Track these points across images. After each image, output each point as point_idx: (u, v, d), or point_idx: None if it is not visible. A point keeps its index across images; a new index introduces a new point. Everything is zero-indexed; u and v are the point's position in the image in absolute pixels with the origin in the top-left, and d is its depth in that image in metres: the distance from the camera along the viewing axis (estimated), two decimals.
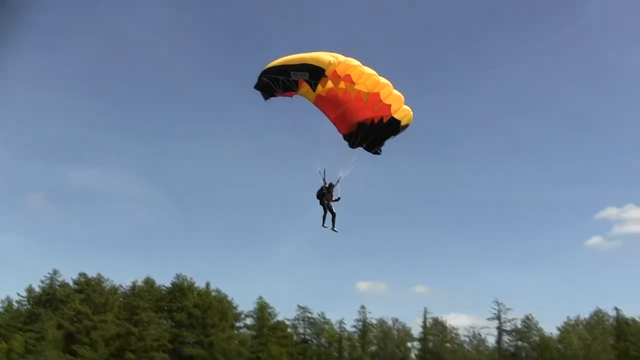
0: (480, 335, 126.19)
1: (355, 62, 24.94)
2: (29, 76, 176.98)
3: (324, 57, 24.11)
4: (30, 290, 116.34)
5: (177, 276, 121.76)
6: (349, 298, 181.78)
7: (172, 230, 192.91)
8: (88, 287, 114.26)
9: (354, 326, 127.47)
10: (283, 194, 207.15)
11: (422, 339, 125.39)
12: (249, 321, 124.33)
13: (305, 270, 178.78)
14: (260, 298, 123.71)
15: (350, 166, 27.65)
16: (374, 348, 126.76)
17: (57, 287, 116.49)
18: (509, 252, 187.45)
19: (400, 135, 27.97)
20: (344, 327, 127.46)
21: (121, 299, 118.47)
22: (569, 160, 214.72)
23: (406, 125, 27.72)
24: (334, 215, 28.85)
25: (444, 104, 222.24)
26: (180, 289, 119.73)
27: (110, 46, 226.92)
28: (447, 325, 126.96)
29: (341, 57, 24.46)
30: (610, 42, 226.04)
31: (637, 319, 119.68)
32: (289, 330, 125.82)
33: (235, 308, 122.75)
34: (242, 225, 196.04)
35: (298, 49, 25.08)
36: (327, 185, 28.43)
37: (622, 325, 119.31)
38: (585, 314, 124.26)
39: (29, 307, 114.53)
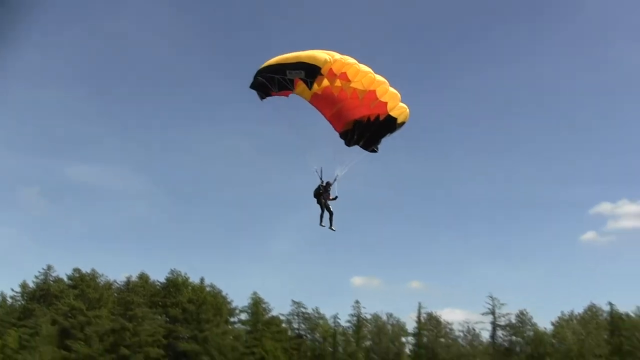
0: (474, 330, 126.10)
1: (351, 60, 24.85)
2: (27, 74, 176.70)
3: (319, 55, 24.01)
4: (24, 285, 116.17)
5: (172, 271, 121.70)
6: (343, 293, 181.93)
7: (167, 225, 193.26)
8: (82, 283, 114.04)
9: (349, 321, 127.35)
10: (277, 190, 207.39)
11: (417, 334, 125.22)
12: (243, 316, 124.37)
13: (299, 265, 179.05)
14: (255, 293, 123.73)
15: (347, 164, 27.61)
16: (368, 343, 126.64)
17: (51, 282, 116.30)
18: (504, 248, 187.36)
19: (396, 132, 27.93)
20: (338, 322, 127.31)
21: (115, 294, 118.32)
22: (563, 156, 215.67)
23: (402, 123, 27.66)
24: (331, 214, 28.81)
25: (439, 102, 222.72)
26: (175, 284, 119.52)
27: (110, 46, 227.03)
28: (442, 320, 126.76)
29: (337, 55, 24.38)
30: (607, 41, 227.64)
31: (631, 314, 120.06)
32: (283, 325, 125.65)
33: (229, 303, 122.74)
34: (237, 220, 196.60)
35: (298, 48, 24.73)
36: (324, 184, 28.32)
37: (616, 320, 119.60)
38: (579, 309, 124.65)
39: (23, 302, 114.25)
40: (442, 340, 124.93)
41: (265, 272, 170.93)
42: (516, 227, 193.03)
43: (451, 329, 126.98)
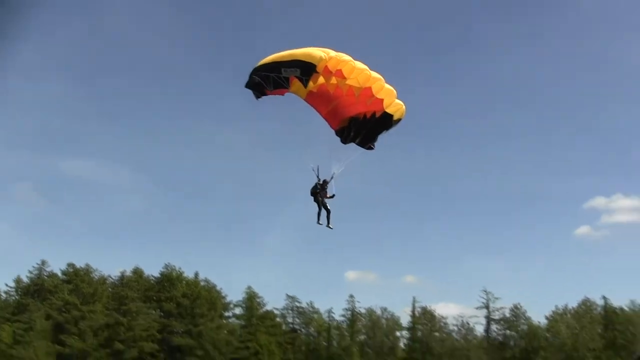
0: (468, 324, 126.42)
1: (347, 57, 24.73)
2: (21, 70, 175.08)
3: (315, 52, 23.86)
4: (18, 280, 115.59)
5: (166, 266, 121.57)
6: (338, 287, 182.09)
7: (161, 220, 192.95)
8: (76, 278, 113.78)
9: (343, 315, 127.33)
10: (272, 184, 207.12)
11: (411, 328, 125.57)
12: (237, 311, 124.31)
13: (294, 260, 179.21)
14: (249, 287, 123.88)
15: (344, 162, 27.51)
16: (362, 337, 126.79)
17: (46, 277, 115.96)
18: (498, 242, 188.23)
19: (392, 129, 27.83)
20: (332, 317, 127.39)
21: (110, 289, 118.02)
22: (557, 151, 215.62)
23: (399, 120, 27.56)
24: (328, 212, 28.73)
25: (434, 97, 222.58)
26: (169, 278, 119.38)
27: (101, 39, 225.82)
28: (436, 314, 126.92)
29: (332, 52, 24.22)
30: (602, 35, 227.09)
31: (625, 308, 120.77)
32: (277, 319, 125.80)
33: (224, 298, 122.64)
34: (231, 215, 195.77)
35: (296, 46, 24.53)
36: (321, 182, 28.24)
37: (609, 314, 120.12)
38: (573, 303, 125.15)
39: (17, 297, 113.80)
40: (437, 334, 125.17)
41: (259, 267, 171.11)
42: (510, 222, 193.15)
43: (445, 323, 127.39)
